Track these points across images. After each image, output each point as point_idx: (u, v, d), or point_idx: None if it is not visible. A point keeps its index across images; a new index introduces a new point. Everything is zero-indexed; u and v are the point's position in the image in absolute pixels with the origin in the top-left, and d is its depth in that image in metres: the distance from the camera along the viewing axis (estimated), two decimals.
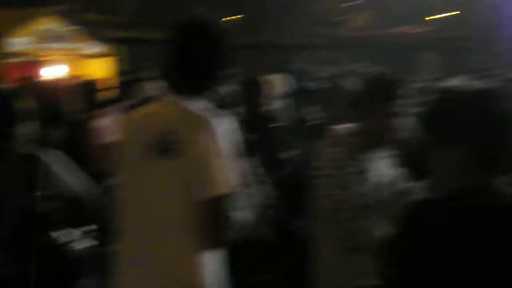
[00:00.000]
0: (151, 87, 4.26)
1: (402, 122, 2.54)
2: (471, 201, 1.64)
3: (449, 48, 18.07)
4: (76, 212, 2.85)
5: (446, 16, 18.96)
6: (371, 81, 2.62)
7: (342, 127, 2.67)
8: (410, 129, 2.55)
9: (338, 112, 3.19)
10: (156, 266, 2.16)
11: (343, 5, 18.28)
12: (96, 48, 12.57)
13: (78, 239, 2.84)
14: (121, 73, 10.18)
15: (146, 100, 2.54)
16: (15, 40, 11.03)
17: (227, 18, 14.87)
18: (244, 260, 3.06)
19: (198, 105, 2.20)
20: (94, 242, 2.92)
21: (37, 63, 11.43)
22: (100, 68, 12.08)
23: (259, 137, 3.60)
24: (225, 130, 2.14)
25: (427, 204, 1.71)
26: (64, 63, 11.94)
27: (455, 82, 1.73)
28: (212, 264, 2.20)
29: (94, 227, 2.94)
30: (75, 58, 12.19)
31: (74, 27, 12.07)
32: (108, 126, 4.19)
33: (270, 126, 4.10)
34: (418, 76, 5.83)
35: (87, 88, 5.62)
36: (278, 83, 4.87)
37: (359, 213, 2.45)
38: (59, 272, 2.75)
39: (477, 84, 1.70)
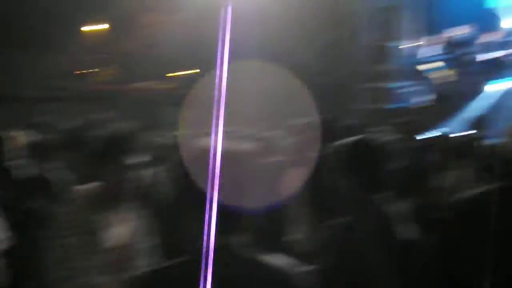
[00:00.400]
0: None
1: (143, 176, 2.60)
2: None
3: (190, 104, 18.98)
4: None
5: (188, 73, 19.93)
6: (107, 138, 2.60)
7: (83, 187, 2.64)
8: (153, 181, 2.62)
9: (80, 170, 3.19)
10: None
11: (87, 58, 18.19)
12: None
13: None
14: None
15: None
16: None
17: None
18: None
19: None
20: None
21: None
22: None
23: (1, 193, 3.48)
24: None
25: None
26: None
27: (203, 140, 1.69)
28: None
29: None
30: None
31: None
32: None
33: (13, 181, 3.97)
34: (161, 131, 6.08)
35: None
36: (19, 138, 4.71)
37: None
38: None
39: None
